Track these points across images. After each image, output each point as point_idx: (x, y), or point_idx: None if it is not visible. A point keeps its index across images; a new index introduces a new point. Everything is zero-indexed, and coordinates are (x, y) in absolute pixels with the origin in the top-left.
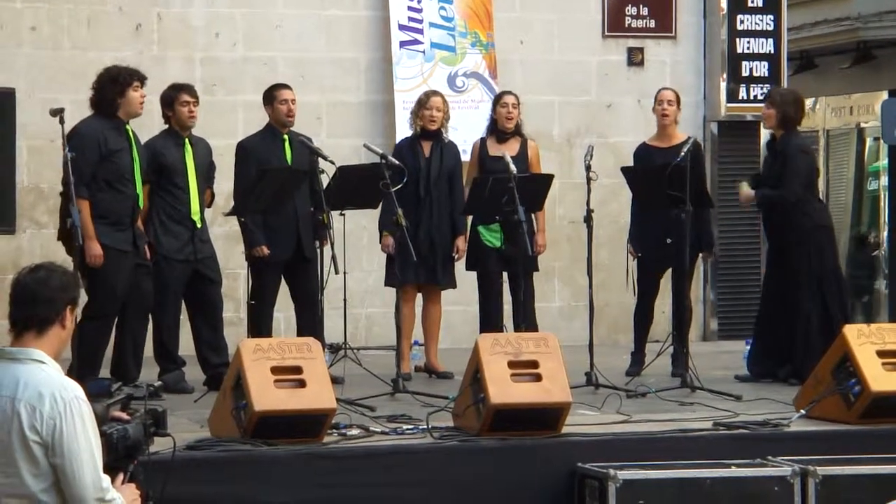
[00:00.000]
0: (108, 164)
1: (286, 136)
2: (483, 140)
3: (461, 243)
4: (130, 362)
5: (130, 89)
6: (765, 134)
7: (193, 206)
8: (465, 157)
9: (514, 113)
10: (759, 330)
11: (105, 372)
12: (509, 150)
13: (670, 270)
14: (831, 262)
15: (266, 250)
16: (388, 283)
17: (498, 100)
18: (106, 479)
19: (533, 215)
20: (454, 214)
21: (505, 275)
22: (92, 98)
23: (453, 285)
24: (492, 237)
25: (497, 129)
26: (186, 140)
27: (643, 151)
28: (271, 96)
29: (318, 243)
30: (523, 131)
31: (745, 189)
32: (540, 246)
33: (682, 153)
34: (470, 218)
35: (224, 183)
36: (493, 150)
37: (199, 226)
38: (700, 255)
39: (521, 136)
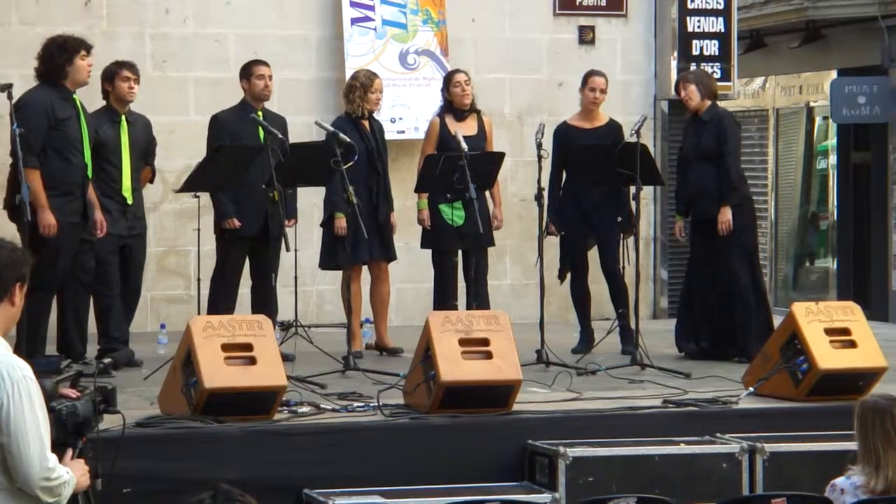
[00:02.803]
0: (56, 133)
1: (260, 113)
2: (441, 118)
3: (393, 218)
4: (75, 336)
5: (78, 57)
6: None
7: (125, 181)
8: (419, 134)
9: (468, 90)
10: (690, 307)
11: (51, 349)
12: (468, 127)
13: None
14: (755, 235)
15: (237, 223)
16: (329, 265)
17: (450, 80)
18: (53, 458)
19: (487, 190)
20: (388, 191)
21: (460, 252)
22: (38, 68)
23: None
24: (455, 215)
25: (454, 108)
26: (123, 117)
27: (565, 131)
28: (249, 71)
29: (288, 222)
30: (476, 107)
31: (725, 215)
32: (499, 220)
33: (633, 130)
34: (426, 196)
35: (176, 159)
36: (453, 128)
37: (130, 202)
38: (622, 232)
39: (476, 112)
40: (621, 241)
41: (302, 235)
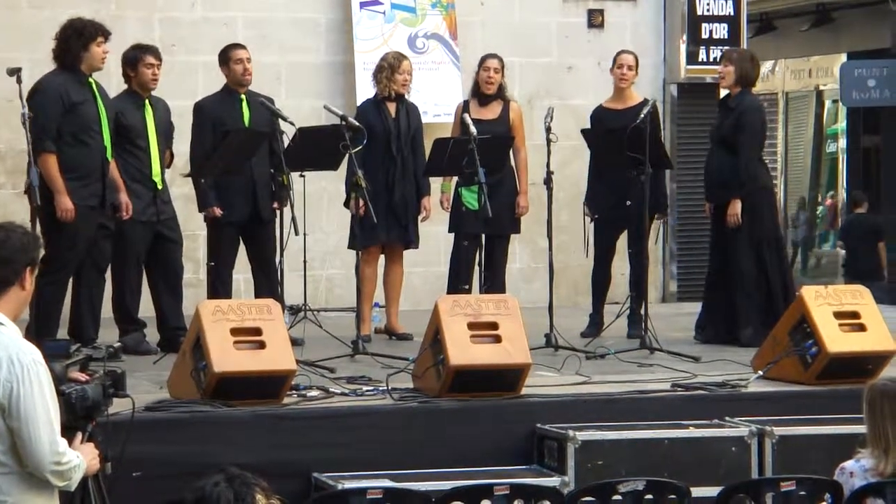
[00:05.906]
0: (71, 116)
1: (244, 97)
2: (466, 102)
3: (427, 203)
4: (88, 321)
5: (94, 44)
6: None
7: (154, 167)
8: (429, 118)
9: (496, 77)
10: (707, 293)
11: (63, 332)
12: (490, 112)
13: (625, 232)
14: (771, 224)
15: (218, 211)
16: (351, 245)
17: (481, 63)
18: (63, 443)
19: (517, 176)
20: (418, 175)
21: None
22: (54, 50)
23: (418, 244)
24: (472, 199)
25: (479, 92)
26: (147, 101)
27: (599, 114)
28: (226, 57)
29: (276, 205)
30: (506, 94)
31: (734, 208)
32: (522, 207)
33: (642, 115)
34: (453, 180)
35: (183, 144)
36: (474, 112)
37: (160, 187)
38: (655, 216)
39: (503, 98)
40: (650, 226)
41: (310, 219)
